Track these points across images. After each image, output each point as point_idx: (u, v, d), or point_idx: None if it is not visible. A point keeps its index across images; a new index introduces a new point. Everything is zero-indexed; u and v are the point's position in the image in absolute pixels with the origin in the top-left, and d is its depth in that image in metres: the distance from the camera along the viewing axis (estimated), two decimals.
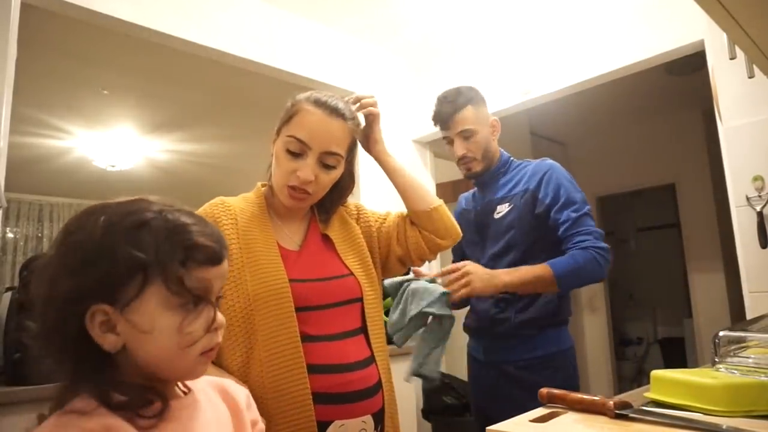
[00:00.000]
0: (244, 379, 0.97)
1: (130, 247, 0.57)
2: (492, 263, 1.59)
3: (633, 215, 5.77)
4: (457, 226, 1.29)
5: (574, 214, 1.50)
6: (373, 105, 1.30)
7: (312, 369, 0.98)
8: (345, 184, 1.21)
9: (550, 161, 1.64)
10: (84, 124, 4.37)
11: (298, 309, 1.01)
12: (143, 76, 3.50)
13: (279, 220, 1.15)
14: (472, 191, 1.83)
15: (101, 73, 3.45)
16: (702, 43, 2.12)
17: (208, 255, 0.61)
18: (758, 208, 1.76)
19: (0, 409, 1.45)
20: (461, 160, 1.66)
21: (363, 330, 1.11)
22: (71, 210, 6.67)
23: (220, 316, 0.63)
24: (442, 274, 1.48)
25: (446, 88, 1.71)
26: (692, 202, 4.25)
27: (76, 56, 3.17)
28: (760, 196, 1.78)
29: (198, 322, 0.61)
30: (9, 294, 1.63)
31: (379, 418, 1.04)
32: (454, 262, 1.77)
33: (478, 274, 1.44)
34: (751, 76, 1.42)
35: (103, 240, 0.58)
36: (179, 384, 0.67)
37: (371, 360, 1.08)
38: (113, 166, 5.06)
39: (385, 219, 1.29)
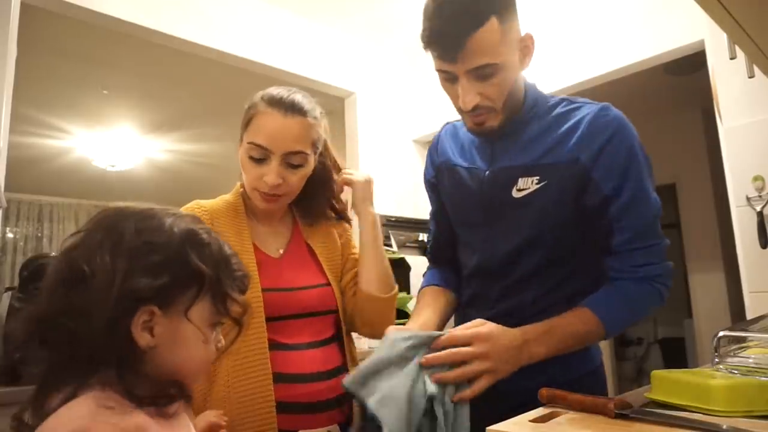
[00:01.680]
0: (210, 385, 0.95)
1: (200, 261, 0.64)
2: (504, 267, 1.03)
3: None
4: (391, 324, 1.04)
5: (639, 221, 0.95)
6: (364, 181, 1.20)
7: (279, 378, 0.96)
8: (322, 178, 1.16)
9: (615, 112, 0.99)
10: (84, 124, 4.37)
11: (270, 319, 0.99)
12: (143, 76, 3.50)
13: (259, 223, 1.12)
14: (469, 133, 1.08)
15: (101, 73, 3.45)
16: (702, 43, 2.12)
17: (244, 287, 0.71)
18: (758, 208, 1.76)
19: (0, 410, 1.45)
20: (471, 111, 0.97)
21: (338, 338, 1.09)
22: (71, 210, 6.67)
23: (221, 339, 0.71)
24: (436, 360, 0.86)
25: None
26: (692, 202, 4.25)
27: (76, 56, 3.17)
28: (760, 196, 1.78)
29: (208, 343, 0.68)
30: (9, 294, 1.63)
31: (346, 428, 1.02)
32: (434, 259, 1.25)
33: (500, 353, 0.87)
34: (751, 76, 1.42)
35: (180, 249, 0.64)
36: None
37: (343, 369, 1.05)
38: (113, 166, 5.06)
39: (353, 262, 1.19)
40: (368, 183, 1.19)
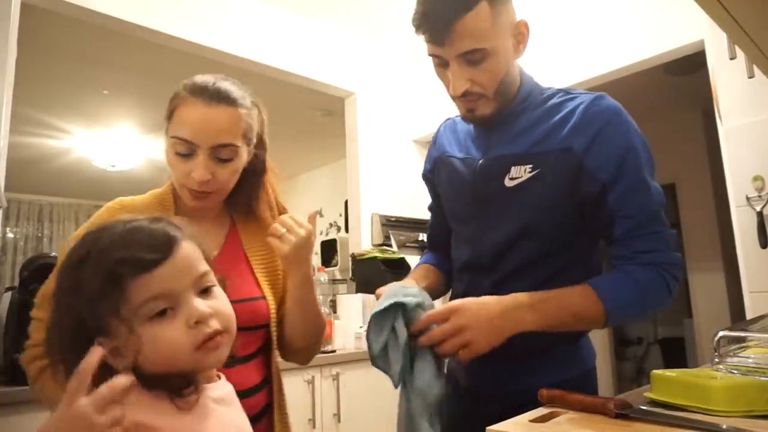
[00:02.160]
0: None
1: (71, 294, 0.61)
2: (496, 259, 1.00)
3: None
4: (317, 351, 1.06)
5: (641, 209, 0.92)
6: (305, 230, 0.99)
7: None
8: (256, 173, 1.07)
9: (609, 101, 0.98)
10: (84, 124, 4.37)
11: None
12: (143, 76, 3.50)
13: (190, 222, 1.03)
14: (465, 124, 1.10)
15: (101, 73, 3.45)
16: (702, 43, 2.12)
17: (137, 265, 0.60)
18: (758, 208, 1.76)
19: (0, 410, 1.45)
20: (462, 97, 0.96)
21: (264, 351, 1.01)
22: (71, 210, 6.67)
23: (198, 309, 0.62)
24: (423, 326, 0.87)
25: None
26: (692, 202, 4.25)
27: (76, 56, 3.17)
28: (760, 196, 1.78)
29: (173, 326, 0.61)
30: (9, 294, 1.63)
31: None
32: (431, 245, 1.25)
33: (479, 324, 0.85)
34: (751, 76, 1.42)
35: (59, 296, 0.63)
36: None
37: (263, 385, 0.98)
38: (113, 166, 5.06)
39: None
40: (305, 241, 0.97)
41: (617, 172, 0.91)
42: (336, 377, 2.25)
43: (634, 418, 0.65)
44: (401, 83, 3.38)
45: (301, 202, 6.15)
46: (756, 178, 1.79)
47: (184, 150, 0.95)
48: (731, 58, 1.33)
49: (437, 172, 1.14)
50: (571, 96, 1.00)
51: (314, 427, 2.19)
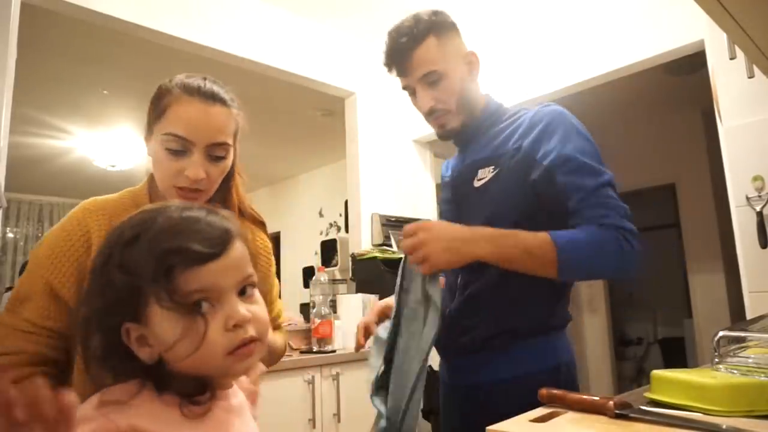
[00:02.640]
0: None
1: (120, 272, 0.59)
2: None
3: (633, 215, 5.75)
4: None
5: (590, 182, 1.01)
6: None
7: None
8: (231, 172, 1.06)
9: (554, 107, 1.12)
10: (84, 124, 4.37)
11: None
12: (143, 76, 3.50)
13: None
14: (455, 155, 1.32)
15: (101, 73, 3.45)
16: (702, 43, 2.12)
17: (191, 257, 0.59)
18: (758, 208, 1.76)
19: None
20: (431, 115, 1.16)
21: None
22: (71, 210, 6.67)
23: (239, 312, 0.60)
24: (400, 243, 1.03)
25: None
26: (692, 202, 4.25)
27: (76, 56, 3.17)
28: (760, 196, 1.78)
29: (211, 325, 0.59)
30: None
31: None
32: None
33: (438, 241, 0.96)
34: (751, 76, 1.42)
35: (104, 268, 0.60)
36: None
37: None
38: (113, 166, 5.06)
39: (271, 299, 1.11)
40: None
41: (562, 156, 1.03)
42: (336, 377, 2.25)
43: (634, 418, 0.65)
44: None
45: (301, 202, 6.15)
46: (756, 178, 1.79)
47: (178, 147, 0.93)
48: (731, 58, 1.33)
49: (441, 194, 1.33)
50: (524, 111, 1.16)
51: (314, 427, 2.19)
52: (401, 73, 1.16)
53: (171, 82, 0.97)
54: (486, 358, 1.07)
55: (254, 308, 0.63)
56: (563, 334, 1.11)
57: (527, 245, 0.97)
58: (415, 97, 1.17)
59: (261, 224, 1.14)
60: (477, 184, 1.13)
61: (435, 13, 1.16)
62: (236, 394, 0.68)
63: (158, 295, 0.57)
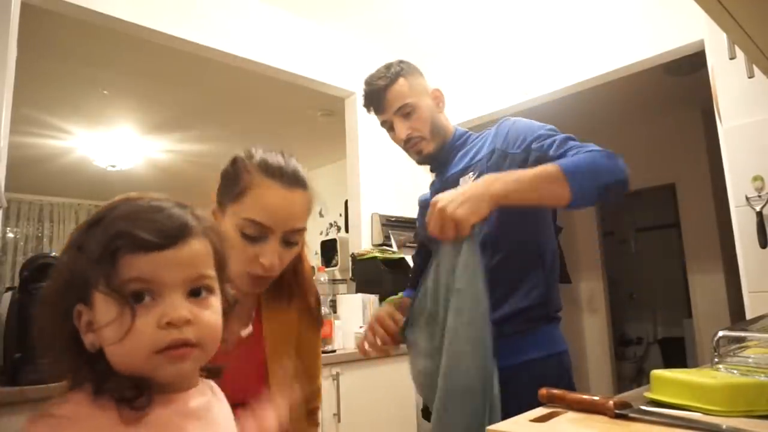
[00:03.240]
0: None
1: (76, 252, 0.59)
2: None
3: (633, 215, 5.77)
4: None
5: (559, 137, 1.17)
6: None
7: None
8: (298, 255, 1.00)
9: (511, 118, 1.31)
10: (84, 124, 4.37)
11: None
12: (143, 76, 3.50)
13: None
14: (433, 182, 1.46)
15: (101, 73, 3.45)
16: (702, 43, 2.13)
17: (136, 243, 0.56)
18: (758, 208, 1.77)
19: (0, 410, 1.45)
20: (408, 143, 1.33)
21: None
22: (71, 210, 6.67)
23: (176, 310, 0.57)
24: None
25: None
26: (692, 202, 4.25)
27: (76, 56, 3.17)
28: (759, 196, 1.78)
29: (142, 318, 0.56)
30: (9, 294, 1.63)
31: None
32: (416, 263, 1.52)
33: (453, 200, 0.98)
34: (751, 76, 1.42)
35: (66, 249, 0.61)
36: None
37: None
38: (113, 166, 5.06)
39: (314, 373, 1.09)
40: None
41: (526, 136, 1.20)
42: (336, 377, 2.25)
43: (634, 418, 0.65)
44: None
45: None
46: (756, 178, 1.79)
47: (256, 233, 0.89)
48: (731, 58, 1.33)
49: (422, 219, 1.32)
50: (487, 131, 1.34)
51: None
52: (379, 111, 1.35)
53: (250, 159, 0.92)
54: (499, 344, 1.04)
55: (203, 313, 0.59)
56: (557, 325, 1.24)
57: (535, 173, 1.03)
58: (393, 131, 1.35)
59: (317, 301, 1.10)
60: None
61: (401, 61, 1.37)
62: (200, 395, 0.63)
63: (98, 279, 0.56)
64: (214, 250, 0.63)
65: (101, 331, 0.56)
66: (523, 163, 1.15)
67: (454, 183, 1.26)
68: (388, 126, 1.35)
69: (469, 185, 1.03)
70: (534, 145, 1.17)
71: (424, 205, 1.34)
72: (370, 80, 1.35)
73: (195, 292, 0.60)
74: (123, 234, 0.56)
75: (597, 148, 1.11)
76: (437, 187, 1.33)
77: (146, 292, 0.56)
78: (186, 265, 0.59)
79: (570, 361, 1.22)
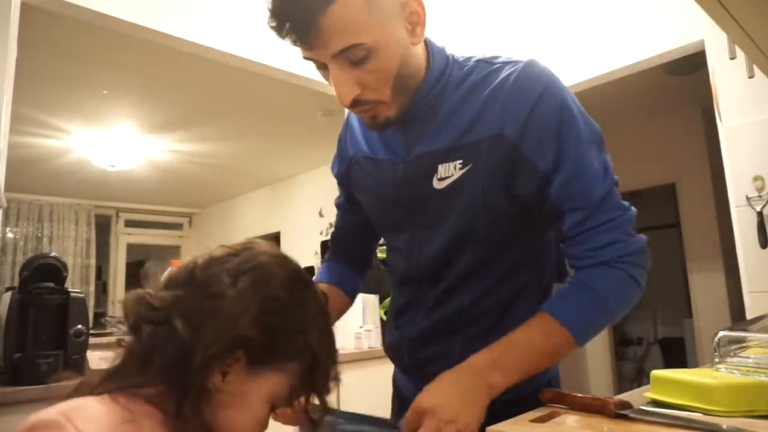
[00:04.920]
0: None
1: (317, 344, 0.62)
2: (436, 272, 0.87)
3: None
4: None
5: (590, 196, 0.76)
6: None
7: None
8: None
9: (537, 68, 0.82)
10: (84, 124, 4.37)
11: None
12: (143, 76, 3.50)
13: None
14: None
15: (101, 73, 3.45)
16: (702, 43, 2.12)
17: (329, 390, 0.68)
18: (758, 208, 1.76)
19: (0, 409, 1.45)
20: (355, 107, 0.78)
21: None
22: (71, 210, 6.67)
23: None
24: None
25: None
26: (692, 202, 4.25)
27: (76, 56, 3.17)
28: (760, 196, 1.78)
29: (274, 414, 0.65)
30: (9, 294, 1.63)
31: None
32: (334, 249, 1.10)
33: (447, 408, 0.69)
34: (751, 76, 1.42)
35: (310, 322, 0.63)
36: None
37: None
38: (113, 166, 5.06)
39: None
40: None
41: (556, 155, 0.77)
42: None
43: (634, 418, 0.64)
44: None
45: (301, 202, 6.15)
46: (756, 178, 1.79)
47: None
48: (731, 58, 1.33)
49: (353, 175, 0.97)
50: (494, 66, 0.83)
51: None
52: (303, 45, 0.72)
53: None
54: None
55: None
56: None
57: (540, 348, 0.76)
58: (326, 71, 0.76)
59: None
60: (439, 185, 0.82)
61: None
62: None
63: (308, 383, 0.63)
64: None
65: (250, 410, 0.60)
66: (534, 187, 0.79)
67: (428, 168, 0.82)
68: (318, 65, 0.76)
69: (457, 378, 0.73)
70: (554, 189, 0.77)
71: (391, 169, 0.87)
72: None
73: None
74: (334, 382, 0.70)
75: (630, 248, 0.78)
76: (400, 156, 0.86)
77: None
78: None
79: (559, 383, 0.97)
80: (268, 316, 0.59)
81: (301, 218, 6.02)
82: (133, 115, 4.25)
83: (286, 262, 0.66)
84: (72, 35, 2.90)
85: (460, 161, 0.80)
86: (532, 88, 0.77)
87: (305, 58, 0.75)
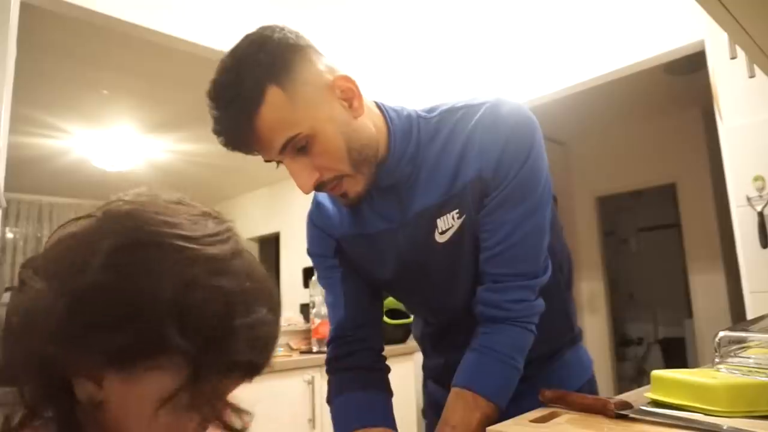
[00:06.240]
0: None
1: (179, 334, 0.44)
2: (461, 312, 0.88)
3: (633, 215, 5.77)
4: None
5: (510, 234, 0.80)
6: None
7: None
8: None
9: (509, 106, 0.82)
10: (84, 124, 4.37)
11: None
12: (143, 76, 3.50)
13: None
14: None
15: (101, 73, 3.45)
16: (702, 43, 2.12)
17: (247, 373, 0.50)
18: (758, 208, 1.76)
19: None
20: (323, 189, 0.81)
21: None
22: (71, 210, 6.67)
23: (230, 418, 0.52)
24: None
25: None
26: (692, 202, 4.25)
27: (76, 56, 3.17)
28: (760, 196, 1.77)
29: (189, 417, 0.48)
30: (9, 294, 1.63)
31: None
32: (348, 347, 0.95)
33: None
34: (752, 75, 1.42)
35: (159, 312, 0.44)
36: None
37: None
38: (113, 166, 5.07)
39: None
40: None
41: (503, 186, 0.80)
42: None
43: (634, 419, 0.64)
44: (401, 84, 3.38)
45: (301, 202, 6.14)
46: (756, 178, 1.79)
47: None
48: (731, 58, 1.33)
49: (347, 250, 0.93)
50: (459, 113, 0.83)
51: (314, 427, 2.19)
52: (254, 152, 0.77)
53: None
54: (526, 385, 0.85)
55: None
56: (581, 344, 1.02)
57: (476, 418, 0.77)
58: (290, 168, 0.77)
59: None
60: (441, 238, 0.83)
61: (262, 44, 0.73)
62: None
63: (196, 382, 0.46)
64: None
65: (143, 418, 0.47)
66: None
67: (427, 225, 0.83)
68: (277, 164, 0.79)
69: None
70: (481, 229, 0.81)
71: (388, 239, 0.87)
72: (217, 102, 0.76)
73: None
74: (242, 364, 0.48)
75: (535, 308, 0.83)
76: (395, 225, 0.85)
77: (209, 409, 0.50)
78: None
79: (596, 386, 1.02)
80: (97, 309, 0.44)
81: (301, 218, 5.90)
82: (133, 115, 4.25)
83: (146, 219, 0.47)
84: (72, 35, 2.90)
85: (456, 211, 0.82)
86: (500, 131, 0.79)
87: (266, 160, 0.78)
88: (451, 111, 0.84)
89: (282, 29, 0.76)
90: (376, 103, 0.84)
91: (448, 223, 0.82)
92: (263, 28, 0.76)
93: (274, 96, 0.72)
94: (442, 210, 0.82)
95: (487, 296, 0.82)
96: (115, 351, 0.44)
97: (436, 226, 0.83)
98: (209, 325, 0.45)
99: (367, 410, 0.88)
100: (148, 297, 0.44)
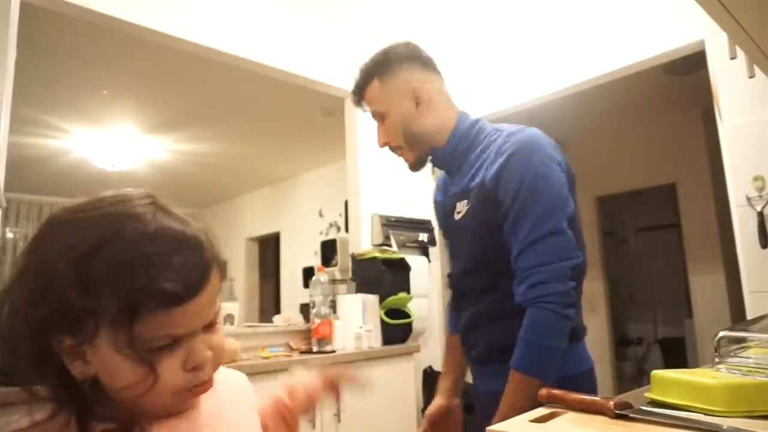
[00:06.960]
0: None
1: (75, 289, 0.47)
2: (469, 280, 1.16)
3: (633, 215, 5.77)
4: None
5: (526, 236, 1.00)
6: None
7: None
8: None
9: (527, 134, 1.07)
10: (84, 124, 4.37)
11: None
12: (143, 76, 3.50)
13: None
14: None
15: (101, 73, 3.45)
16: (702, 43, 2.12)
17: (168, 299, 0.49)
18: (758, 208, 1.76)
19: (0, 410, 1.45)
20: (390, 149, 1.23)
21: None
22: None
23: (202, 353, 0.53)
24: None
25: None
26: (692, 202, 4.25)
27: (76, 56, 3.17)
28: (760, 196, 1.77)
29: (166, 368, 0.51)
30: None
31: None
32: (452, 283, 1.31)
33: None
34: (752, 75, 1.42)
35: (56, 277, 0.48)
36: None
37: None
38: (113, 166, 5.06)
39: None
40: None
41: (513, 200, 1.02)
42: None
43: (634, 419, 0.64)
44: None
45: (301, 202, 6.15)
46: (756, 178, 1.79)
47: None
48: (731, 58, 1.33)
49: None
50: (498, 133, 1.12)
51: (314, 427, 2.19)
52: (363, 107, 1.25)
53: None
54: (493, 367, 1.09)
55: (215, 339, 0.56)
56: (583, 342, 1.11)
57: (517, 392, 0.95)
58: None
59: None
60: (457, 217, 1.16)
61: (385, 52, 1.20)
62: (210, 397, 0.59)
63: (116, 336, 0.48)
64: (222, 274, 0.58)
65: (114, 385, 0.51)
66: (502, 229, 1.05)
67: (453, 205, 1.17)
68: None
69: None
70: (506, 231, 1.04)
71: (440, 206, 1.25)
72: (355, 76, 1.23)
73: (210, 324, 0.56)
74: (145, 291, 0.48)
75: (546, 290, 0.97)
76: (442, 197, 1.24)
77: (169, 343, 0.51)
78: (208, 307, 0.54)
79: (595, 380, 1.11)
80: (30, 290, 0.50)
81: (301, 218, 6.02)
82: (133, 116, 4.25)
83: (46, 221, 0.54)
84: (72, 35, 2.90)
85: (466, 201, 1.13)
86: (510, 145, 1.05)
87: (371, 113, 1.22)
88: (498, 129, 1.13)
89: (408, 44, 1.22)
90: (460, 111, 1.21)
91: (461, 208, 1.14)
92: (404, 41, 1.23)
93: (374, 85, 1.19)
94: (461, 198, 1.14)
95: (514, 289, 1.02)
96: (49, 323, 0.49)
97: (455, 208, 1.16)
98: (112, 266, 0.49)
99: None
100: (48, 266, 0.49)
